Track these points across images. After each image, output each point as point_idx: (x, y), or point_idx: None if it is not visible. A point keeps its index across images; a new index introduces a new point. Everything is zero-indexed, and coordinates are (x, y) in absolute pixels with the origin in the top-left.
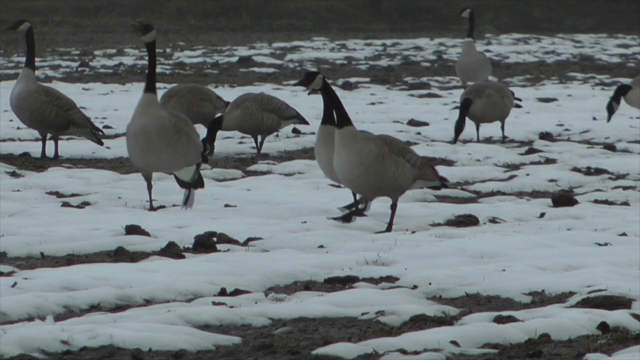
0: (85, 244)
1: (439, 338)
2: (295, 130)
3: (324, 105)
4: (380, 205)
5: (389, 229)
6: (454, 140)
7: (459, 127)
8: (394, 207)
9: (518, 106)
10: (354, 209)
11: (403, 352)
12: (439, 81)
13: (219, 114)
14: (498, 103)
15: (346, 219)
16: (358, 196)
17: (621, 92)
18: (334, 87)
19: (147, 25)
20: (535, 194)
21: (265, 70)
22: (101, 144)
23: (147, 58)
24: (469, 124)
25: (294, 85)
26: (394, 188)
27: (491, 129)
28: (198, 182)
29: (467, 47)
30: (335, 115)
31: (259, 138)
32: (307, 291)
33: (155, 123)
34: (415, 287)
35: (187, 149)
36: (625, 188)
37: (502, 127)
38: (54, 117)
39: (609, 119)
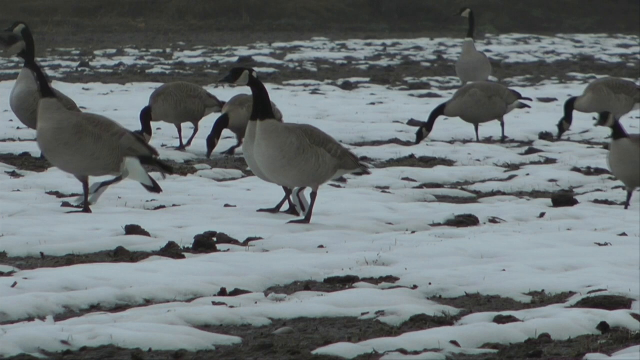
0: (85, 244)
1: (439, 338)
2: None
3: (254, 101)
4: (378, 205)
5: (307, 219)
6: (417, 142)
7: (426, 128)
8: (313, 195)
9: (525, 106)
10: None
11: (403, 352)
12: (439, 81)
13: (224, 112)
14: (483, 102)
15: (274, 211)
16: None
17: (570, 107)
18: (334, 87)
19: (12, 37)
20: (535, 194)
21: (265, 70)
22: None
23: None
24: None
25: (220, 82)
26: (315, 178)
27: (491, 129)
28: (153, 188)
29: (467, 47)
30: (259, 108)
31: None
32: (307, 291)
33: (49, 125)
34: (415, 287)
35: (95, 149)
36: (625, 188)
37: (502, 125)
38: None
39: (559, 136)
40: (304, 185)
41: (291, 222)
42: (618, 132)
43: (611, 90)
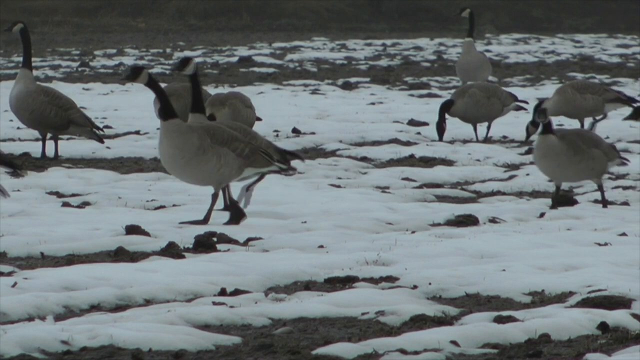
0: (85, 244)
1: (439, 338)
2: (295, 130)
3: (155, 99)
4: (378, 205)
5: (205, 220)
6: (439, 139)
7: (440, 127)
8: (214, 197)
9: (522, 108)
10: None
11: (403, 352)
12: (439, 81)
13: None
14: (482, 102)
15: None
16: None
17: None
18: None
19: (134, 70)
20: (535, 194)
21: (265, 70)
22: (102, 141)
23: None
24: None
25: (121, 79)
26: (217, 179)
27: (492, 129)
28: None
29: (467, 47)
30: (162, 108)
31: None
32: (307, 291)
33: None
34: (415, 287)
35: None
36: (625, 188)
37: (488, 127)
38: (53, 117)
39: (526, 139)
40: (206, 185)
41: (183, 222)
42: (547, 128)
43: (576, 91)
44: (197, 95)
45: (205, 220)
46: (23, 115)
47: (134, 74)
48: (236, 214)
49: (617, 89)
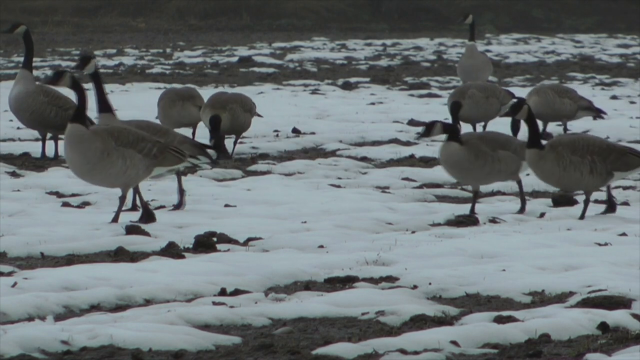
0: (85, 244)
1: (439, 338)
2: (295, 130)
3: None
4: (378, 205)
5: (114, 219)
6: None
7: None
8: (122, 198)
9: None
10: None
11: (403, 352)
12: (439, 81)
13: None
14: (481, 103)
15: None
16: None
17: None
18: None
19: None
20: (535, 194)
21: (265, 70)
22: None
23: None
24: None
25: (45, 83)
26: (125, 181)
27: (491, 128)
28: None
29: (469, 50)
30: (76, 111)
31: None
32: (307, 291)
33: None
34: (415, 287)
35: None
36: (625, 188)
37: (484, 127)
38: (53, 117)
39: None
40: (114, 187)
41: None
42: (451, 135)
43: (556, 94)
44: (101, 94)
45: (114, 220)
46: (23, 116)
47: (56, 77)
48: (147, 215)
49: (588, 99)
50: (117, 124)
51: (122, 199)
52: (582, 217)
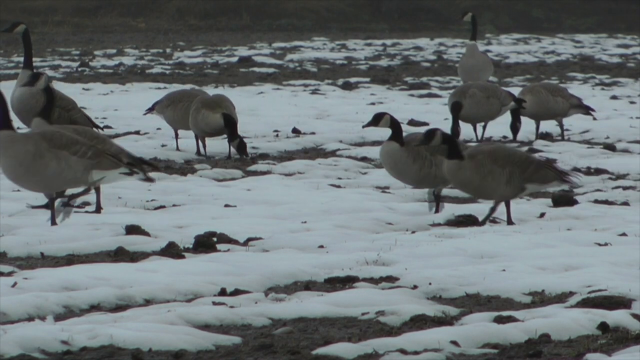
0: (85, 244)
1: (439, 338)
2: (295, 130)
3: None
4: (378, 205)
5: (51, 223)
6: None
7: (455, 131)
8: (51, 201)
9: (520, 107)
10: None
11: (403, 352)
12: (439, 81)
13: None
14: (482, 103)
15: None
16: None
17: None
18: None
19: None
20: (535, 194)
21: (265, 70)
22: None
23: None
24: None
25: None
26: (62, 182)
27: (492, 128)
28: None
29: (470, 50)
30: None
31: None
32: (307, 291)
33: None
34: (415, 287)
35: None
36: (625, 188)
37: (484, 127)
38: (56, 118)
39: (514, 137)
40: (52, 191)
41: (35, 206)
42: (393, 135)
43: (549, 92)
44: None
45: (52, 223)
46: (26, 117)
47: None
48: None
49: (578, 96)
50: (49, 128)
51: (51, 201)
52: (483, 223)
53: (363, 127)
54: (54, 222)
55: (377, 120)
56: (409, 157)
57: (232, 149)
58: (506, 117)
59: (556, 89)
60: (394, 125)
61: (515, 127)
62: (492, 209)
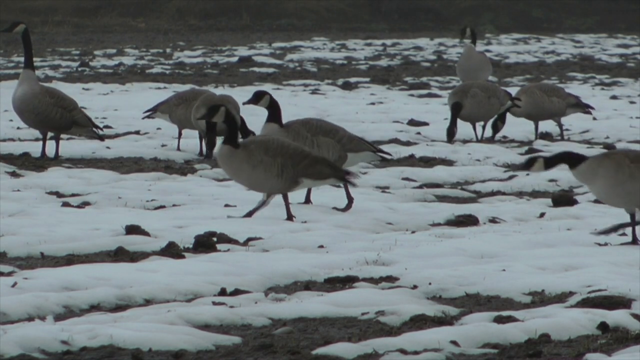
0: (85, 244)
1: (439, 338)
2: None
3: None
4: (378, 205)
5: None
6: (449, 142)
7: (451, 131)
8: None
9: (515, 105)
10: None
11: (403, 352)
12: (439, 81)
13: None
14: (483, 102)
15: None
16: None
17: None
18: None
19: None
20: (535, 194)
21: (265, 70)
22: (102, 139)
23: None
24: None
25: None
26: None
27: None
28: None
29: (467, 51)
30: None
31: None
32: (307, 291)
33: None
34: (415, 287)
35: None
36: None
37: (484, 127)
38: (58, 118)
39: (493, 136)
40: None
41: None
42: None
43: (544, 93)
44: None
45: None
46: (28, 117)
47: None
48: None
49: (576, 95)
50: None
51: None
52: (289, 218)
53: (243, 104)
54: None
55: (258, 98)
56: (289, 137)
57: None
58: (507, 117)
59: (552, 89)
60: (273, 106)
61: (496, 125)
62: (263, 202)
